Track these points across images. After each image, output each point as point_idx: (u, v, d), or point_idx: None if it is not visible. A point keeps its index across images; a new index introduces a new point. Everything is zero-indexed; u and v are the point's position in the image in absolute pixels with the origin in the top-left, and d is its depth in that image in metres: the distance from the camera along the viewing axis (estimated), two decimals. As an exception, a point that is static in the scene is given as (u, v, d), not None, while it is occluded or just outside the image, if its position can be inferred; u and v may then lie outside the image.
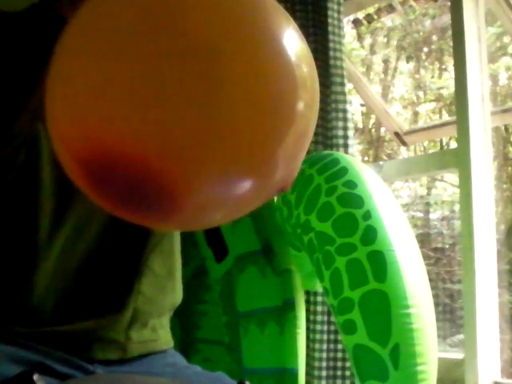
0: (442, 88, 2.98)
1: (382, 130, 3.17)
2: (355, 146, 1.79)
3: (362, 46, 3.11)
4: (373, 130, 3.31)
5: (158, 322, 0.96)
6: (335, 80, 1.57)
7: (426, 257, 2.33)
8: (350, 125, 1.58)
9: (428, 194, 2.94)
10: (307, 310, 1.41)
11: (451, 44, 1.60)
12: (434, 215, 2.89)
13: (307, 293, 1.49)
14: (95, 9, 0.56)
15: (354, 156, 1.57)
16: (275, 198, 1.27)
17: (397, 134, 2.12)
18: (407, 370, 0.95)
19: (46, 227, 0.85)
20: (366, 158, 3.20)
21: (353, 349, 1.00)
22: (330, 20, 1.60)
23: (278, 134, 0.55)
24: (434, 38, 2.94)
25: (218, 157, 0.53)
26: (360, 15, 2.61)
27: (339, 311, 1.02)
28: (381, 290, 0.98)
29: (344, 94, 1.57)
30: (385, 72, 3.17)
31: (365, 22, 2.73)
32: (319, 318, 1.53)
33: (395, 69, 3.16)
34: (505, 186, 2.46)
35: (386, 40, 3.12)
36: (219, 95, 0.51)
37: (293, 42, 0.56)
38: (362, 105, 3.03)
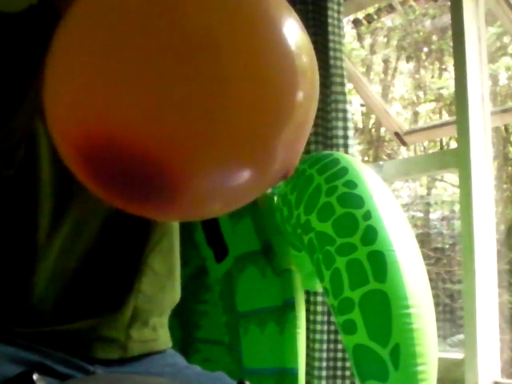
0: (442, 88, 2.98)
1: (382, 130, 3.17)
2: (355, 146, 1.79)
3: (362, 46, 3.11)
4: (373, 130, 3.31)
5: (158, 321, 0.96)
6: (335, 80, 1.57)
7: (426, 257, 2.33)
8: (350, 125, 1.58)
9: (428, 194, 2.94)
10: (307, 310, 1.41)
11: (451, 44, 1.60)
12: (434, 215, 2.89)
13: (307, 293, 1.49)
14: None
15: (354, 156, 1.57)
16: (275, 199, 1.27)
17: (397, 134, 2.12)
18: (407, 370, 0.95)
19: (45, 227, 0.85)
20: (366, 158, 3.20)
21: (353, 349, 1.00)
22: (330, 20, 1.60)
23: (277, 123, 0.55)
24: (434, 38, 2.94)
25: (217, 145, 0.53)
26: (360, 15, 2.61)
27: (339, 311, 1.02)
28: (381, 290, 0.98)
29: (344, 94, 1.58)
30: (385, 72, 3.17)
31: (365, 22, 2.73)
32: (319, 318, 1.53)
33: (395, 69, 3.16)
34: (505, 186, 2.46)
35: (386, 40, 3.12)
36: (218, 84, 0.52)
37: (293, 32, 0.56)
38: (362, 105, 3.03)
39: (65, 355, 0.83)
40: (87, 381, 0.83)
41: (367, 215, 1.05)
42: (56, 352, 0.83)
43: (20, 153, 0.78)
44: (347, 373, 1.53)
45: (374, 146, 3.25)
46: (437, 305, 1.15)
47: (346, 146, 1.56)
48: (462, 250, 1.50)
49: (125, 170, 0.54)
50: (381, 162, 1.94)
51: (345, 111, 1.57)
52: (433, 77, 3.07)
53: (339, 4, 1.62)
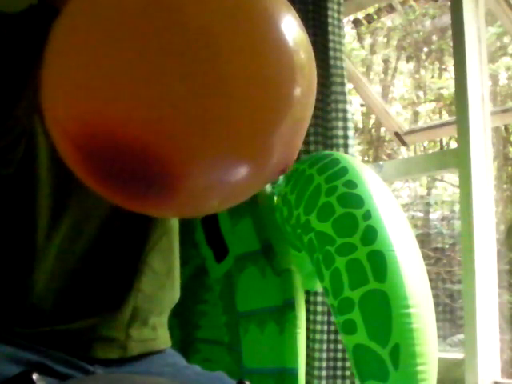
0: (442, 88, 2.98)
1: (382, 130, 3.17)
2: (355, 146, 1.79)
3: (362, 46, 3.11)
4: (373, 130, 3.31)
5: (157, 320, 0.96)
6: (335, 80, 1.57)
7: (426, 257, 2.33)
8: (350, 125, 1.58)
9: (428, 194, 2.94)
10: (307, 310, 1.41)
11: (451, 44, 1.60)
12: (434, 215, 2.89)
13: (307, 293, 1.49)
14: None
15: (354, 156, 1.57)
16: (275, 199, 1.27)
17: (397, 134, 2.12)
18: (407, 370, 0.95)
19: (44, 227, 0.85)
20: (366, 158, 3.20)
21: (353, 349, 1.00)
22: (330, 20, 1.60)
23: (275, 119, 0.55)
24: (434, 38, 2.94)
25: (215, 141, 0.53)
26: (360, 15, 2.61)
27: (339, 311, 1.02)
28: (381, 290, 0.98)
29: (344, 94, 1.57)
30: (385, 72, 3.17)
31: (365, 22, 2.73)
32: (319, 318, 1.53)
33: (395, 69, 3.15)
34: (505, 186, 2.46)
35: (386, 40, 3.11)
36: (217, 81, 0.52)
37: (291, 29, 0.57)
38: (362, 105, 3.03)
39: (64, 355, 0.83)
40: (87, 381, 0.83)
41: (367, 215, 1.05)
42: (56, 352, 0.83)
43: (19, 152, 0.78)
44: (347, 373, 1.53)
45: (374, 146, 3.25)
46: (437, 305, 1.15)
47: (346, 146, 1.56)
48: (462, 250, 1.50)
49: (124, 166, 0.54)
50: (381, 162, 1.94)
51: (345, 111, 1.57)
52: (433, 77, 3.06)
53: (339, 4, 1.62)
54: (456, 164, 1.54)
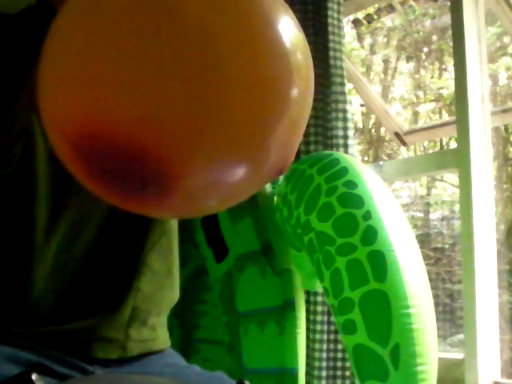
0: (442, 88, 2.98)
1: (382, 130, 3.17)
2: (355, 146, 1.79)
3: (362, 46, 3.11)
4: (373, 130, 3.31)
5: (157, 320, 0.96)
6: (335, 80, 1.57)
7: (425, 257, 2.33)
8: (350, 125, 1.58)
9: (428, 194, 2.94)
10: (307, 310, 1.41)
11: (451, 44, 1.60)
12: (434, 215, 2.89)
13: (307, 293, 1.49)
14: None
15: (354, 156, 1.57)
16: (275, 199, 1.27)
17: (397, 134, 2.12)
18: (407, 370, 0.95)
19: (43, 227, 0.85)
20: (366, 158, 3.20)
21: (353, 349, 1.00)
22: (329, 20, 1.60)
23: (272, 120, 0.55)
24: (434, 38, 2.94)
25: (213, 141, 0.53)
26: (360, 15, 2.61)
27: (339, 311, 1.02)
28: (381, 290, 0.98)
29: (344, 94, 1.57)
30: (385, 72, 3.17)
31: (365, 22, 2.73)
32: (319, 318, 1.53)
33: (395, 69, 3.15)
34: (505, 186, 2.45)
35: (386, 40, 3.11)
36: (213, 79, 0.52)
37: (289, 30, 0.57)
38: (361, 105, 3.03)
39: (64, 355, 0.83)
40: (86, 381, 0.83)
41: (367, 215, 1.05)
42: (55, 352, 0.83)
43: (17, 152, 0.78)
44: (347, 373, 1.53)
45: (374, 146, 3.25)
46: (437, 305, 1.15)
47: (345, 146, 1.56)
48: (461, 250, 1.50)
49: (122, 166, 0.54)
50: (381, 162, 1.94)
51: (345, 111, 1.57)
52: (433, 77, 3.06)
53: (339, 4, 1.62)
54: (456, 164, 1.54)
